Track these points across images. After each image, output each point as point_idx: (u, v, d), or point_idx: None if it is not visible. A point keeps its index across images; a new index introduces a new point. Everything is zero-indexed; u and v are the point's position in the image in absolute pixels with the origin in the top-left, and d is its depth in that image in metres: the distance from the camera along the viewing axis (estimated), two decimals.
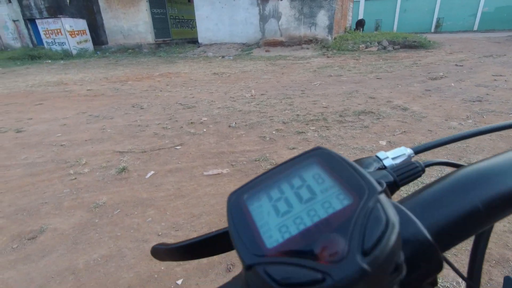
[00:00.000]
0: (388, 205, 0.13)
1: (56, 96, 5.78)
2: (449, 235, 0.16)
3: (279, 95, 4.97)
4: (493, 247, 1.44)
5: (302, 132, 3.16)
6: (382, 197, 0.13)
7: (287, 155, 2.64)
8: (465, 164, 0.30)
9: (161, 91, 5.84)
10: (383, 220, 0.12)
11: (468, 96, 4.21)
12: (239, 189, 0.17)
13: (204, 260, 1.50)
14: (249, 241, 0.14)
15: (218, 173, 2.40)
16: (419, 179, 0.26)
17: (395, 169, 0.24)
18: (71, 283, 1.42)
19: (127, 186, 2.31)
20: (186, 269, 1.47)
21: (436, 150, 2.52)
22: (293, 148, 2.77)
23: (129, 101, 5.11)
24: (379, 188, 0.14)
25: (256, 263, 0.13)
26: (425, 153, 2.35)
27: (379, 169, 0.26)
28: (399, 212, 0.15)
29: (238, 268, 1.44)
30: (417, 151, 0.29)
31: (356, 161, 0.27)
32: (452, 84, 5.06)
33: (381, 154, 0.28)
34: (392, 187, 0.23)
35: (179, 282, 1.39)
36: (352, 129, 3.19)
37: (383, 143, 2.77)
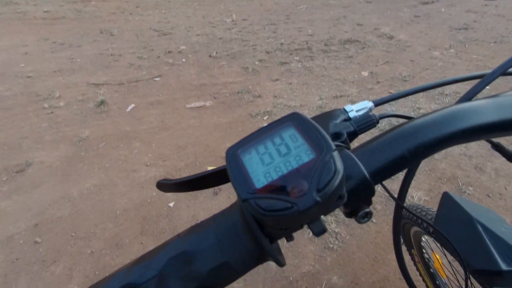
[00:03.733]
0: (338, 159, 0.19)
1: (8, 19, 5.06)
2: (383, 173, 0.22)
3: (262, 20, 4.61)
4: (447, 167, 1.65)
5: (285, 63, 3.08)
6: (335, 153, 0.19)
7: (270, 87, 2.62)
8: (411, 116, 0.37)
9: (131, 14, 5.23)
10: (332, 170, 0.18)
11: (455, 23, 4.11)
12: (235, 145, 0.22)
13: None
14: (243, 182, 0.19)
15: (201, 106, 2.39)
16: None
17: (356, 120, 0.30)
18: (69, 209, 1.53)
19: (108, 119, 2.28)
20: (177, 194, 1.60)
21: (417, 79, 2.58)
22: (276, 80, 2.73)
23: (96, 25, 4.59)
24: (333, 147, 0.19)
25: (249, 198, 0.19)
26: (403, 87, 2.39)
27: (345, 120, 0.32)
28: (350, 159, 0.22)
29: (224, 192, 1.58)
30: (377, 104, 0.36)
31: (328, 112, 0.33)
32: (443, 9, 4.85)
33: (347, 107, 0.34)
34: (352, 135, 0.29)
35: (171, 204, 1.54)
36: (336, 59, 3.13)
37: (365, 74, 2.78)
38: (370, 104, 0.35)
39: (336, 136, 0.27)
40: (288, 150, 0.20)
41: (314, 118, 0.32)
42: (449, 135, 0.22)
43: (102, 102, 2.45)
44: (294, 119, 0.22)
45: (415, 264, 1.01)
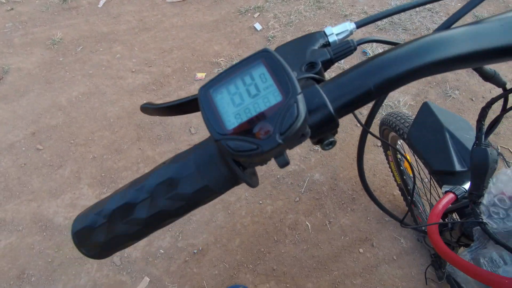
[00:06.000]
0: (301, 103, 0.20)
1: None
2: (348, 107, 0.23)
3: None
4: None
5: None
6: (299, 97, 0.20)
7: None
8: (391, 40, 0.36)
9: None
10: (294, 114, 0.20)
11: None
12: (207, 84, 0.22)
13: (182, 94, 1.61)
14: (215, 124, 0.21)
15: (183, 0, 2.10)
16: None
17: (333, 47, 0.30)
18: (62, 118, 1.55)
19: (80, 18, 2.03)
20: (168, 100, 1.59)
21: None
22: None
23: None
24: (298, 90, 0.20)
25: (220, 139, 0.20)
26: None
27: (323, 45, 0.31)
28: (317, 95, 0.23)
29: None
30: (359, 25, 0.34)
31: (308, 35, 0.31)
32: None
33: (328, 30, 0.32)
34: (328, 63, 0.29)
35: None
36: None
37: None
38: (351, 26, 0.33)
39: (311, 65, 0.27)
40: (257, 91, 0.21)
41: (293, 41, 0.31)
42: (417, 68, 0.22)
43: None
44: (265, 57, 0.22)
45: (388, 162, 1.14)
